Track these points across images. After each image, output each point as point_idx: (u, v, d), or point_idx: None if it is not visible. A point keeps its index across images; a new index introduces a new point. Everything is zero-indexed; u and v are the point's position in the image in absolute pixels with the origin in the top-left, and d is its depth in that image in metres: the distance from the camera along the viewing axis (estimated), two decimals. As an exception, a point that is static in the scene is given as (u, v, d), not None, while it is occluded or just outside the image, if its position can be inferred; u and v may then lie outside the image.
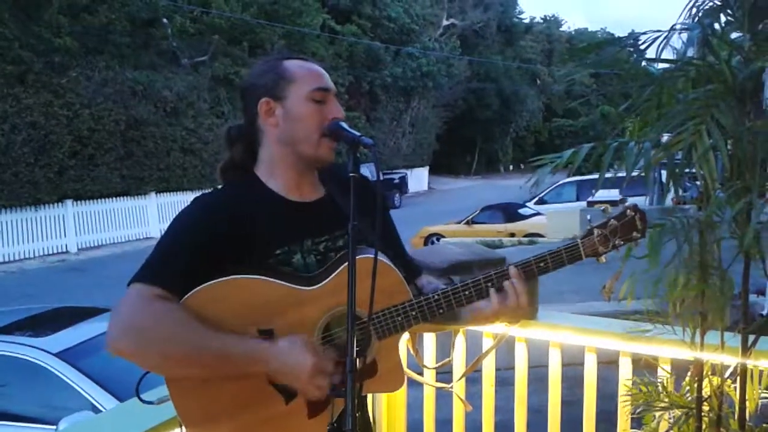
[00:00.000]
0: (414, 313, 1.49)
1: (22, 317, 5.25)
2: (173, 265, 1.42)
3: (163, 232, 1.50)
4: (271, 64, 1.54)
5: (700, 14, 1.73)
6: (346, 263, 1.43)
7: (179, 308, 1.37)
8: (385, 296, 1.27)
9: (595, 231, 1.55)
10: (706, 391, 1.91)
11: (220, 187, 1.59)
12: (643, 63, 1.88)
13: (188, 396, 1.43)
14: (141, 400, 1.59)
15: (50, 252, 17.08)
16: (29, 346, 4.33)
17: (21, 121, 16.10)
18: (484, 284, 1.52)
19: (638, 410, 2.14)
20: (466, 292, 1.51)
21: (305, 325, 1.44)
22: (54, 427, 3.69)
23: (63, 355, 4.21)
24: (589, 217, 1.64)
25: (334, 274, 1.45)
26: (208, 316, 1.38)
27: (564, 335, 2.49)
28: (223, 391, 1.42)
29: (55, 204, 17.22)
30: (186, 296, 1.38)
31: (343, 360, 1.28)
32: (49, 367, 4.14)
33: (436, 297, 1.50)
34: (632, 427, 2.32)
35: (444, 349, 2.66)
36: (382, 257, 1.29)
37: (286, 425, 1.46)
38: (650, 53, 1.75)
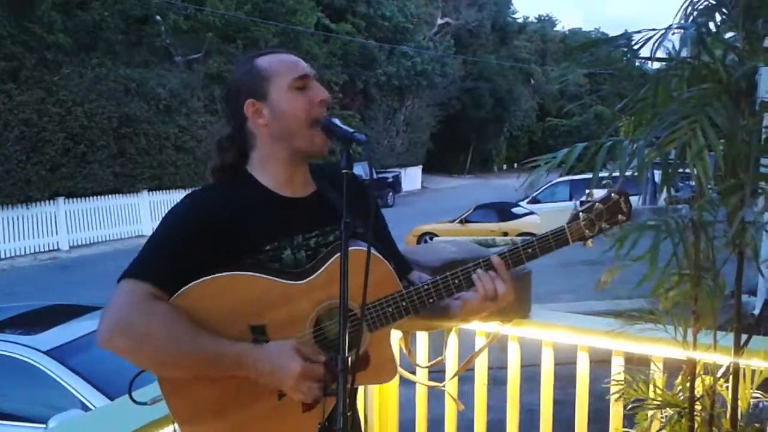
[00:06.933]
0: (404, 303, 1.49)
1: (12, 315, 5.23)
2: (164, 261, 1.41)
3: (154, 228, 1.49)
4: (247, 67, 1.55)
5: (695, 13, 1.73)
6: (335, 256, 1.43)
7: (172, 309, 1.36)
8: (376, 288, 1.27)
9: (581, 215, 1.56)
10: (698, 391, 1.92)
11: (211, 183, 1.58)
12: (638, 62, 1.88)
13: (181, 393, 1.42)
14: (133, 400, 1.57)
15: (42, 250, 16.96)
16: (19, 344, 4.31)
17: (13, 118, 15.96)
18: (473, 272, 1.52)
19: (629, 407, 2.15)
20: (455, 281, 1.52)
21: (296, 320, 1.44)
22: (44, 425, 3.67)
23: (53, 353, 4.19)
24: (575, 203, 1.63)
25: (323, 268, 1.45)
26: (200, 313, 1.38)
27: (556, 334, 2.49)
28: (217, 387, 1.42)
29: (47, 201, 17.12)
30: (177, 294, 1.38)
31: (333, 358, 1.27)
32: (39, 365, 4.11)
33: (425, 287, 1.50)
34: (624, 427, 2.32)
35: (436, 348, 2.66)
36: (371, 250, 1.29)
37: (281, 420, 1.45)
38: (644, 52, 1.75)
